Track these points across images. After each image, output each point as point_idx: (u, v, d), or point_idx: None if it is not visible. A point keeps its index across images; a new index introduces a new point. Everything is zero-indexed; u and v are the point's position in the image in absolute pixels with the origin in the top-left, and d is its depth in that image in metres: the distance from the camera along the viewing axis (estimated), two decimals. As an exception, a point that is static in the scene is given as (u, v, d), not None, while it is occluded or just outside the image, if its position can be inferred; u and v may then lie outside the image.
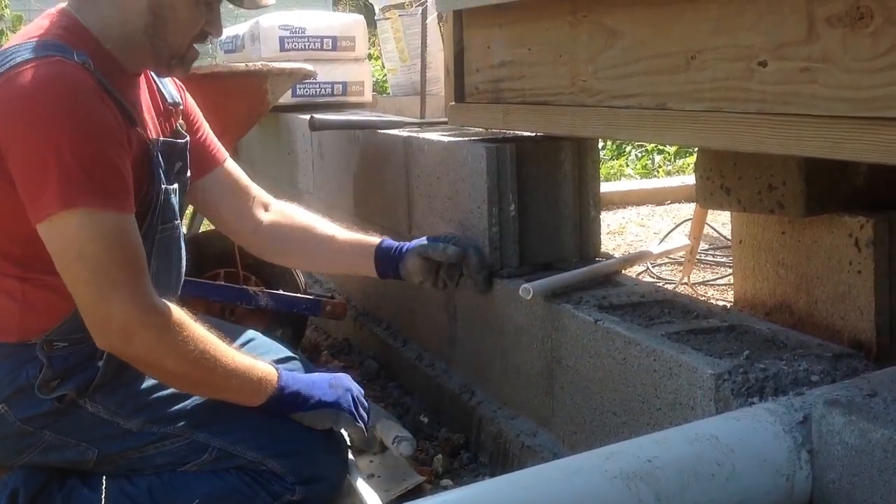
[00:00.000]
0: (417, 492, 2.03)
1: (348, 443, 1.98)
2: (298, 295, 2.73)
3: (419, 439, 2.32)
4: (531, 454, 1.97)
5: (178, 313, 1.66)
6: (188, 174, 1.95)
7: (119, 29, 1.74)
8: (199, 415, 1.80)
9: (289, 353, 2.23)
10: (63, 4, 1.78)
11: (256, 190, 2.15)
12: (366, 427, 1.90)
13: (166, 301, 1.66)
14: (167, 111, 1.93)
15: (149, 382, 1.80)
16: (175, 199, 1.86)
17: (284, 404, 1.80)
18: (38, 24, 1.74)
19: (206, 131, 2.08)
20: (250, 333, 2.24)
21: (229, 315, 2.74)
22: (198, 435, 1.80)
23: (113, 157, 1.63)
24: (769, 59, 1.43)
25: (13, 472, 1.78)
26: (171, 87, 1.98)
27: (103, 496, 1.76)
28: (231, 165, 2.12)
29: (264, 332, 2.31)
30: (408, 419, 2.45)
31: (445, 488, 2.05)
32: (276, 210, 2.15)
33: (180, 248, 1.92)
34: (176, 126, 1.94)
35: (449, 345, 2.46)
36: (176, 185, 1.87)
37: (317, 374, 1.93)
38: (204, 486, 1.80)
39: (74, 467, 1.80)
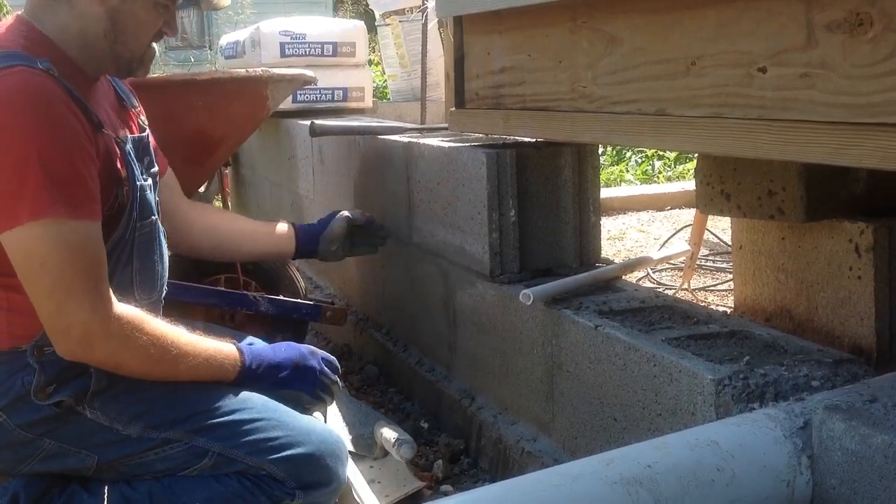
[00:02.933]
0: (417, 497, 2.03)
1: (350, 449, 1.98)
2: (299, 300, 2.73)
3: (419, 445, 2.32)
4: (531, 460, 1.97)
5: (138, 317, 1.69)
6: (156, 168, 1.97)
7: (78, 35, 1.74)
8: (198, 420, 1.80)
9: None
10: (19, 12, 1.78)
11: (188, 202, 2.28)
12: (332, 397, 1.96)
13: (125, 306, 1.68)
14: (127, 113, 1.95)
15: (148, 388, 1.80)
16: (151, 195, 1.86)
17: (251, 381, 1.86)
18: None
19: (152, 138, 2.10)
20: (250, 339, 2.24)
21: (230, 320, 2.74)
22: (197, 440, 1.80)
23: (79, 165, 1.63)
24: (768, 65, 1.43)
25: (14, 479, 1.78)
26: (129, 92, 2.00)
27: (104, 502, 1.76)
28: (171, 177, 2.19)
29: (264, 338, 2.31)
30: (408, 424, 2.45)
31: (445, 494, 2.05)
32: (198, 210, 2.28)
33: (161, 244, 1.92)
34: (139, 124, 1.95)
35: (449, 350, 2.46)
36: (149, 181, 1.88)
37: (284, 350, 1.96)
38: (204, 490, 1.80)
39: (75, 474, 1.80)
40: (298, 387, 1.94)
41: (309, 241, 2.38)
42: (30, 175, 1.57)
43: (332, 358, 1.99)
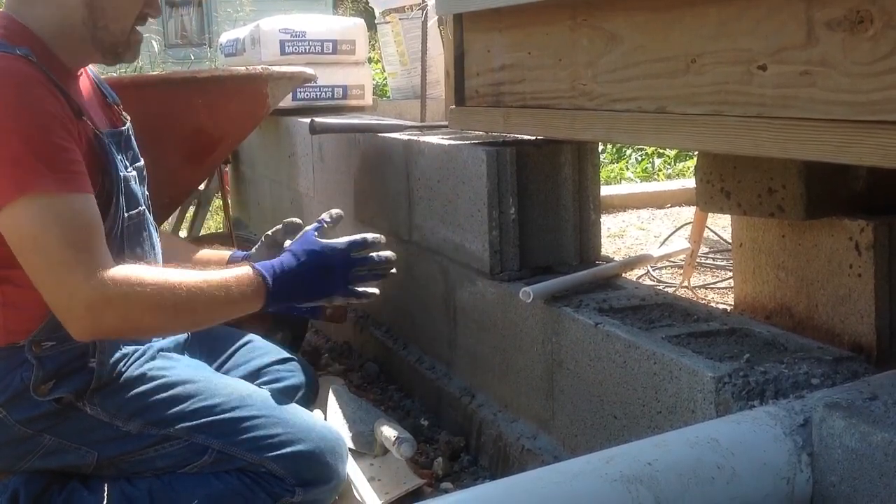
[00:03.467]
0: (417, 495, 2.03)
1: (350, 446, 1.98)
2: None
3: (419, 442, 2.32)
4: (531, 457, 1.97)
5: (136, 272, 1.65)
6: (142, 162, 1.96)
7: (58, 26, 1.74)
8: (198, 417, 1.81)
9: (286, 354, 2.23)
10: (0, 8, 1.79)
11: None
12: (360, 295, 1.93)
13: (120, 266, 1.65)
14: (111, 108, 1.95)
15: (148, 385, 1.80)
16: (136, 187, 1.86)
17: (281, 301, 1.83)
18: None
19: None
20: (248, 336, 2.24)
21: (229, 318, 2.74)
22: (197, 437, 1.80)
23: (63, 141, 1.63)
24: (769, 62, 1.43)
25: (14, 475, 1.78)
26: (107, 86, 2.00)
27: (104, 499, 1.76)
28: None
29: (264, 336, 2.31)
30: (408, 422, 2.45)
31: (445, 491, 2.05)
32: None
33: (152, 235, 1.92)
34: (121, 119, 1.95)
35: (449, 348, 2.46)
36: (134, 173, 1.87)
37: (303, 256, 1.88)
38: (204, 487, 1.80)
39: (75, 470, 1.80)
40: (330, 291, 1.90)
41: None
42: (13, 154, 1.57)
43: (365, 238, 1.92)
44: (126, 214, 1.80)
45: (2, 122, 1.58)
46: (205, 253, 2.16)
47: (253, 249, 2.17)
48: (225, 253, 2.16)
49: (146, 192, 1.96)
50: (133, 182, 1.84)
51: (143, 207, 1.89)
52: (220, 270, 1.76)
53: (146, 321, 1.67)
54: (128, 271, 1.65)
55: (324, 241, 1.89)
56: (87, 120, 1.74)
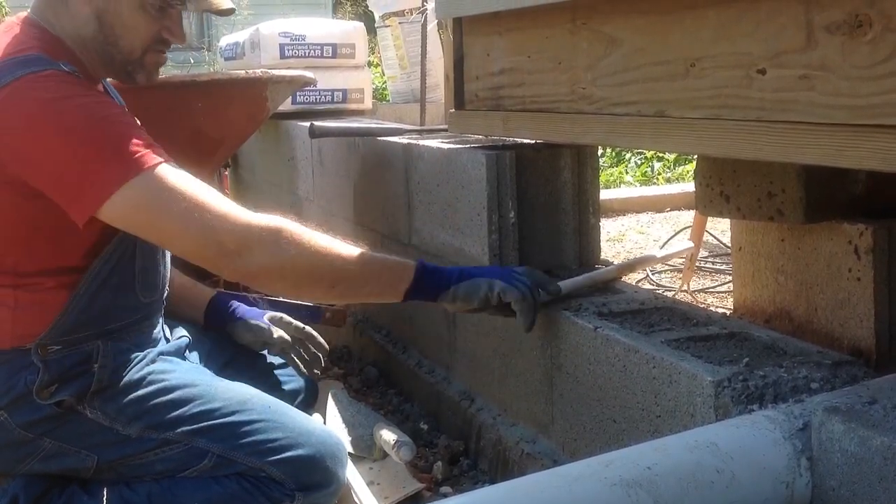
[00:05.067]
0: (417, 499, 2.03)
1: (349, 450, 1.98)
2: (298, 302, 2.73)
3: (419, 446, 2.31)
4: (531, 461, 1.97)
5: (282, 218, 1.68)
6: None
7: (77, 37, 1.75)
8: (197, 421, 1.81)
9: (288, 360, 2.23)
10: (24, 14, 1.78)
11: None
12: (524, 291, 1.79)
13: (260, 214, 1.67)
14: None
15: (148, 388, 1.80)
16: None
17: (431, 281, 1.77)
18: (7, 37, 1.73)
19: None
20: (248, 339, 2.24)
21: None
22: (197, 441, 1.80)
23: (139, 130, 1.66)
24: (768, 66, 1.43)
25: (14, 479, 1.78)
26: (116, 93, 2.01)
27: (103, 503, 1.76)
28: None
29: (264, 339, 2.31)
30: (407, 426, 2.44)
31: (445, 495, 2.04)
32: None
33: None
34: None
35: (448, 352, 2.46)
36: None
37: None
38: (203, 492, 1.80)
39: (74, 475, 1.80)
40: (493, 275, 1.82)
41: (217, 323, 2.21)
42: (103, 145, 1.59)
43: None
44: None
45: (89, 117, 1.61)
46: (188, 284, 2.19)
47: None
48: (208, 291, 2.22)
49: None
50: None
51: None
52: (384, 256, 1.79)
53: (297, 262, 1.65)
54: (275, 216, 1.67)
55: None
56: None
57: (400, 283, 1.74)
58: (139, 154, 1.60)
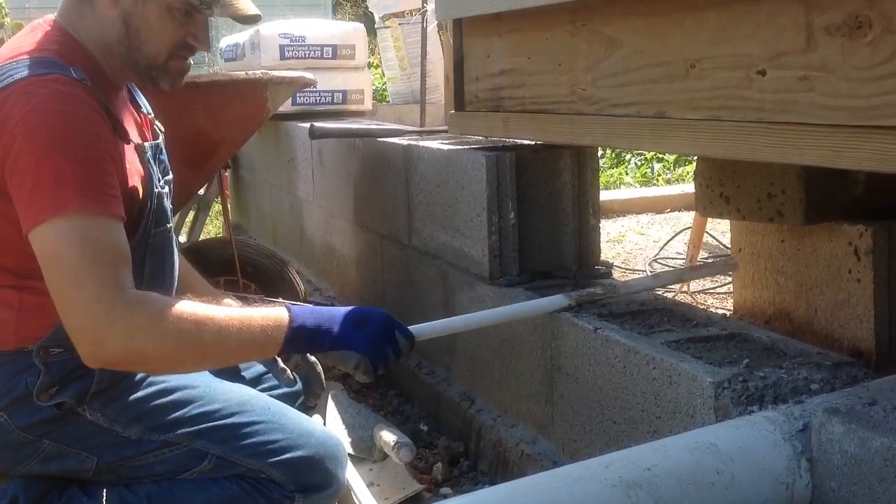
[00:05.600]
0: (417, 500, 2.03)
1: (349, 451, 1.98)
2: (298, 303, 2.73)
3: (418, 447, 2.31)
4: (531, 462, 1.97)
5: (147, 298, 1.60)
6: (171, 176, 1.96)
7: (101, 40, 1.75)
8: (197, 422, 1.80)
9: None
10: (52, 16, 1.78)
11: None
12: (397, 355, 1.77)
13: (138, 292, 1.60)
14: (145, 119, 1.95)
15: (148, 390, 1.80)
16: (167, 203, 1.86)
17: (303, 343, 1.70)
18: (30, 37, 1.74)
19: None
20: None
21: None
22: (197, 443, 1.80)
23: (107, 167, 1.63)
24: (768, 67, 1.43)
25: (13, 481, 1.78)
26: (143, 97, 2.00)
27: (103, 504, 1.76)
28: None
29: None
30: (407, 427, 2.44)
31: (445, 496, 2.04)
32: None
33: (173, 252, 1.92)
34: (154, 130, 1.95)
35: (448, 353, 2.45)
36: (166, 189, 1.88)
37: (344, 309, 1.79)
38: (203, 494, 1.80)
39: (74, 476, 1.80)
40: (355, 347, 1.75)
41: None
42: (60, 172, 1.57)
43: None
44: (153, 231, 1.80)
45: (54, 145, 1.59)
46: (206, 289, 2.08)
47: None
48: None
49: (172, 208, 1.96)
50: (165, 199, 1.84)
51: (170, 224, 1.88)
52: (256, 311, 1.67)
53: (148, 351, 1.60)
54: (143, 295, 1.61)
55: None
56: (131, 139, 1.75)
57: (268, 349, 1.70)
58: (80, 195, 1.56)
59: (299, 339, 1.67)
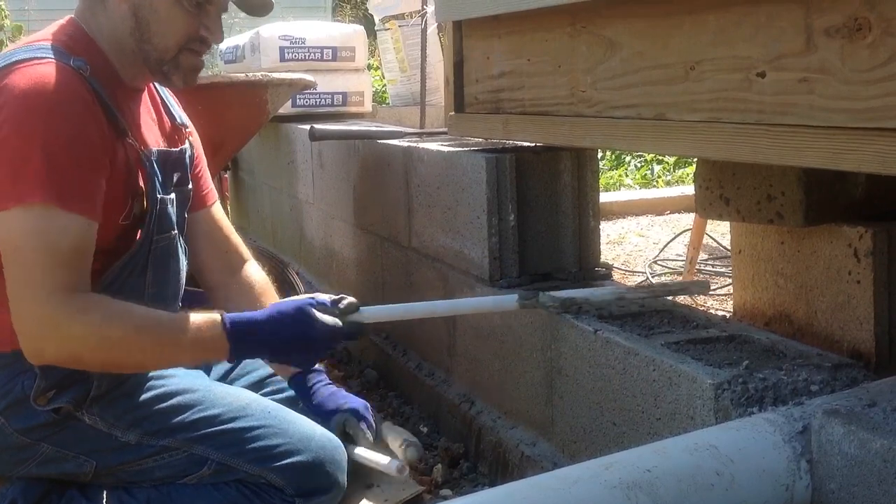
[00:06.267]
0: (417, 501, 2.02)
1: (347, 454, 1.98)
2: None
3: (418, 449, 2.32)
4: (531, 464, 1.97)
5: (92, 305, 1.61)
6: (189, 186, 1.95)
7: (112, 35, 1.75)
8: (197, 427, 1.80)
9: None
10: (72, 14, 1.79)
11: (235, 243, 2.08)
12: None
13: (84, 294, 1.61)
14: (174, 129, 1.94)
15: (147, 394, 1.80)
16: (172, 210, 1.85)
17: (249, 343, 1.71)
18: (46, 31, 1.76)
19: (204, 168, 2.07)
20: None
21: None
22: (196, 448, 1.79)
23: (82, 162, 1.62)
24: (767, 69, 1.43)
25: (12, 483, 1.78)
26: (180, 111, 1.99)
27: (102, 507, 1.76)
28: (217, 210, 2.07)
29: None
30: (407, 429, 2.44)
31: (445, 498, 2.04)
32: (245, 274, 2.07)
33: (178, 259, 1.91)
34: (181, 140, 1.94)
35: (448, 354, 2.46)
36: (174, 196, 1.87)
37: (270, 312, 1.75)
38: (203, 499, 1.80)
39: (73, 479, 1.80)
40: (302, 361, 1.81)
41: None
42: (30, 162, 1.57)
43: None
44: (156, 237, 1.79)
45: (31, 129, 1.58)
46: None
47: None
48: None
49: (184, 218, 1.94)
50: (170, 205, 1.83)
51: (176, 231, 1.87)
52: (192, 315, 1.69)
53: (84, 356, 1.63)
54: (88, 297, 1.61)
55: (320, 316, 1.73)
56: (131, 140, 1.74)
57: (210, 351, 1.71)
58: (46, 188, 1.56)
59: (240, 338, 1.68)
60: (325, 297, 1.74)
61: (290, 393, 2.15)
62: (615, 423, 1.73)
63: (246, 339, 1.69)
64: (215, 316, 1.70)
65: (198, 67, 1.82)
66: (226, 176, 4.69)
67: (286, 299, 1.74)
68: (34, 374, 1.70)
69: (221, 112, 2.76)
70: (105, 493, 1.78)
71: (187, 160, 1.94)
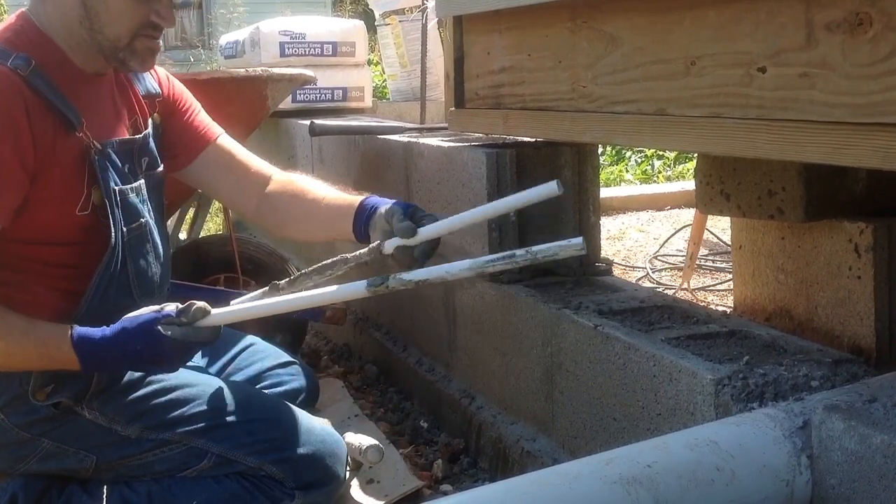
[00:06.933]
0: (417, 496, 2.02)
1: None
2: None
3: (418, 444, 2.32)
4: (531, 459, 1.97)
5: None
6: (159, 168, 1.93)
7: (62, 26, 1.72)
8: (197, 421, 1.80)
9: (288, 358, 2.23)
10: (25, 9, 1.78)
11: (257, 164, 2.05)
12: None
13: None
14: (141, 105, 1.91)
15: (147, 389, 1.80)
16: (136, 198, 1.82)
17: (101, 364, 1.69)
18: None
19: (195, 112, 2.03)
20: (249, 339, 2.24)
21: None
22: (196, 441, 1.80)
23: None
24: (768, 65, 1.43)
25: (13, 479, 1.78)
26: (149, 80, 1.95)
27: (103, 502, 1.76)
28: (225, 141, 2.04)
29: (264, 338, 2.31)
30: (407, 424, 2.45)
31: (445, 493, 2.04)
32: (276, 181, 2.05)
33: (157, 245, 1.88)
34: (149, 118, 1.92)
35: (449, 350, 2.46)
36: (139, 183, 1.84)
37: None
38: (203, 491, 1.80)
39: (73, 474, 1.80)
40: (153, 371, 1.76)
41: (361, 229, 1.91)
42: None
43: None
44: (125, 229, 1.78)
45: None
46: (336, 199, 1.97)
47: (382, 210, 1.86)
48: (356, 198, 1.93)
49: (162, 201, 1.94)
50: (131, 195, 1.80)
51: (146, 219, 1.85)
52: (47, 327, 1.66)
53: None
54: None
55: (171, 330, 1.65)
56: (82, 134, 1.71)
57: (62, 363, 1.67)
58: None
59: (87, 355, 1.64)
60: (172, 308, 1.66)
61: (289, 387, 2.15)
62: (615, 419, 1.73)
63: (97, 355, 1.66)
64: (65, 331, 1.65)
65: (154, 49, 1.78)
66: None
67: (134, 313, 1.67)
68: (31, 370, 1.70)
69: (221, 107, 2.75)
70: (105, 487, 1.79)
71: (152, 143, 1.91)
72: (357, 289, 1.67)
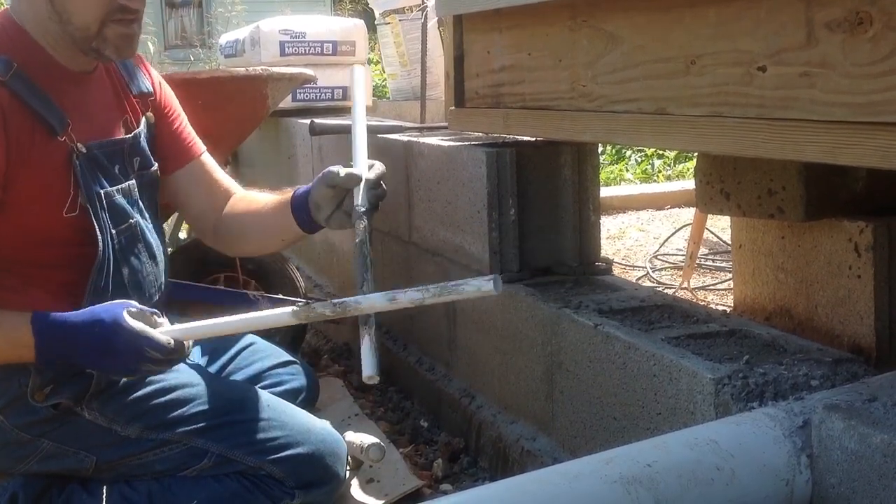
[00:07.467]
0: (417, 496, 2.02)
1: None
2: (298, 299, 2.73)
3: (418, 443, 2.32)
4: (531, 459, 1.97)
5: None
6: (153, 168, 1.92)
7: (36, 23, 1.70)
8: (197, 421, 1.80)
9: (289, 358, 2.23)
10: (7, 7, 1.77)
11: (227, 184, 2.06)
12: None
13: None
14: (133, 104, 1.89)
15: (146, 389, 1.80)
16: (124, 199, 1.81)
17: (55, 346, 1.65)
18: None
19: (182, 123, 2.03)
20: (249, 338, 2.24)
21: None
22: (196, 441, 1.80)
23: None
24: (768, 64, 1.43)
25: (13, 478, 1.78)
26: (142, 79, 1.93)
27: (103, 501, 1.76)
28: (208, 159, 2.05)
29: (264, 337, 2.31)
30: (407, 423, 2.45)
31: (445, 493, 2.04)
32: (230, 202, 2.05)
33: (150, 245, 1.87)
34: (142, 117, 1.91)
35: (449, 349, 2.46)
36: (129, 184, 1.83)
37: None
38: (203, 491, 1.80)
39: (74, 474, 1.80)
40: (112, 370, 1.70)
41: (303, 216, 1.92)
42: None
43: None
44: (113, 231, 1.77)
45: None
46: (272, 202, 2.01)
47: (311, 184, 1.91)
48: (288, 194, 1.96)
49: (156, 199, 1.93)
50: (117, 196, 1.79)
51: (136, 219, 1.84)
52: (15, 312, 1.63)
53: None
54: None
55: (127, 320, 1.62)
56: (66, 138, 1.70)
57: (18, 350, 1.65)
58: None
59: (42, 327, 1.62)
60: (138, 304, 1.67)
61: (289, 386, 2.15)
62: (615, 418, 1.73)
63: (51, 334, 1.62)
64: (28, 314, 1.63)
65: (129, 35, 1.73)
66: (226, 170, 4.70)
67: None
68: (28, 371, 1.69)
69: (222, 106, 2.76)
70: (105, 487, 1.79)
71: (144, 142, 1.90)
72: (284, 314, 1.65)
